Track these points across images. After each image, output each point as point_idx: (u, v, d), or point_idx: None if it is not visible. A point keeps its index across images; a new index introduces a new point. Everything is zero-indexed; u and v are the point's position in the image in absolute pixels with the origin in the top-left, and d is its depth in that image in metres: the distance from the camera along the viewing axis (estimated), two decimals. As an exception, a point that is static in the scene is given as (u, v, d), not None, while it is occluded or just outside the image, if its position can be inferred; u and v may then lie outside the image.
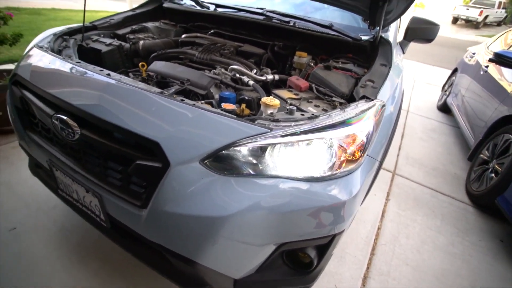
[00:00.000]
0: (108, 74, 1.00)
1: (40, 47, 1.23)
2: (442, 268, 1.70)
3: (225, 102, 1.15)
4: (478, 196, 2.21)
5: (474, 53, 3.64)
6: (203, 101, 1.14)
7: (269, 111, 1.00)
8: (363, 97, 1.05)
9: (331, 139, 0.83)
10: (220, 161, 0.80)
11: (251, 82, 1.25)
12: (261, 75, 1.34)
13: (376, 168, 1.11)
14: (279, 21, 1.61)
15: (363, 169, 0.95)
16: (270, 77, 1.34)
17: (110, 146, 0.88)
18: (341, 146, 0.84)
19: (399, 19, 1.76)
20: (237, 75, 1.30)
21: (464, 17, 15.96)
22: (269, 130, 0.80)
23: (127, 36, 1.67)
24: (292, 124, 0.84)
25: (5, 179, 1.93)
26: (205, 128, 0.83)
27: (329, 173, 0.84)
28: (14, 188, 1.86)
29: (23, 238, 1.56)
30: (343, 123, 0.87)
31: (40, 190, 1.77)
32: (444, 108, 4.10)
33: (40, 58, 1.15)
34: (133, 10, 1.90)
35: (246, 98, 1.20)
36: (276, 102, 1.00)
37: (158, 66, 1.28)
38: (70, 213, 1.68)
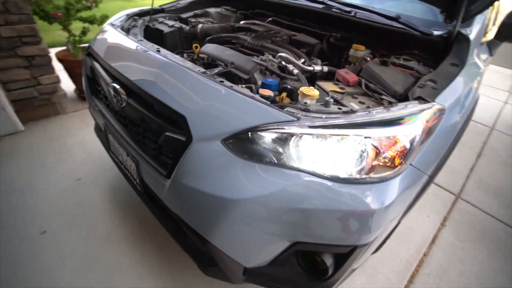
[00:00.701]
0: (158, 50, 1.07)
1: (112, 25, 1.39)
2: (500, 320, 1.41)
3: (266, 88, 1.13)
4: None
5: None
6: (243, 85, 1.14)
7: (305, 101, 0.94)
8: (418, 98, 0.90)
9: (364, 138, 0.74)
10: (241, 144, 0.79)
11: (295, 71, 1.20)
12: (309, 66, 1.27)
13: (423, 182, 0.96)
14: (339, 11, 1.49)
15: (404, 180, 0.82)
16: (318, 68, 1.26)
17: (147, 116, 0.94)
18: (376, 148, 0.74)
19: (491, 13, 1.46)
20: (283, 63, 1.26)
21: None
22: (296, 119, 0.75)
23: (189, 19, 1.77)
24: (324, 116, 0.77)
25: (81, 137, 2.27)
26: (232, 109, 0.82)
27: (357, 175, 0.75)
28: (86, 146, 2.18)
29: (84, 188, 1.82)
30: (383, 123, 0.76)
31: (103, 151, 2.04)
32: (546, 132, 3.32)
33: (109, 34, 1.30)
34: (198, -5, 2.00)
35: (289, 87, 1.16)
36: (315, 92, 0.93)
37: (209, 48, 1.32)
38: (120, 175, 1.90)
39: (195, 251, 1.05)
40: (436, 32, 1.27)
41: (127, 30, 1.45)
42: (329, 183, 0.75)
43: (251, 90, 1.11)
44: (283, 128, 0.74)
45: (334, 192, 0.75)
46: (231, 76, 1.21)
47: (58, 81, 2.41)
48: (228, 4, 2.06)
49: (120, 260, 1.42)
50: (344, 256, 0.87)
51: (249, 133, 0.77)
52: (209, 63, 1.32)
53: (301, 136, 0.75)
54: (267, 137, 0.77)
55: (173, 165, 0.87)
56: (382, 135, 0.75)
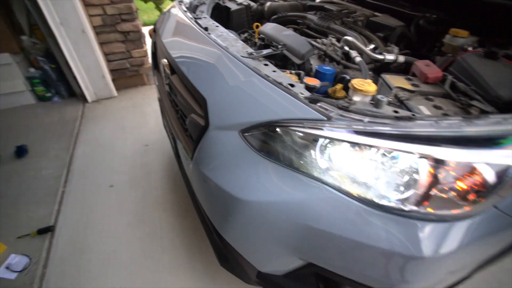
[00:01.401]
0: (206, 28, 1.03)
1: (180, 1, 1.41)
2: None
3: (320, 77, 0.98)
4: None
5: None
6: (293, 71, 1.01)
7: (355, 98, 0.75)
8: (534, 111, 0.60)
9: (419, 157, 0.53)
10: (261, 139, 0.68)
11: (358, 59, 0.98)
12: (379, 53, 1.02)
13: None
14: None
15: (481, 225, 0.58)
16: (390, 57, 1.00)
17: (181, 94, 0.93)
18: (434, 173, 0.53)
19: None
20: (347, 48, 1.05)
21: None
22: (325, 119, 0.60)
23: (260, -3, 1.67)
24: (366, 119, 0.59)
25: (156, 107, 2.52)
26: (257, 98, 0.71)
27: (400, 205, 0.56)
28: (158, 116, 2.41)
29: (149, 154, 2.03)
30: (454, 141, 0.53)
31: (169, 123, 2.22)
32: None
33: (172, 10, 1.32)
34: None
35: (347, 77, 0.97)
36: (370, 87, 0.73)
37: (267, 28, 1.21)
38: (180, 148, 2.03)
39: (215, 241, 1.02)
40: None
41: (195, 7, 1.46)
42: (358, 206, 0.59)
43: (299, 78, 0.97)
44: (306, 128, 0.60)
45: (363, 219, 0.58)
46: (286, 60, 1.09)
47: (146, 55, 2.71)
48: (306, -20, 1.86)
49: (162, 226, 1.53)
50: (369, 297, 0.69)
51: (269, 127, 0.65)
52: (267, 44, 1.22)
53: (331, 141, 0.60)
54: (290, 135, 0.64)
55: (194, 149, 0.84)
56: (449, 158, 0.52)
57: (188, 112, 0.91)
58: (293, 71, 1.01)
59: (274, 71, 0.82)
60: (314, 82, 0.88)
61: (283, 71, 0.95)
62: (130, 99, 2.65)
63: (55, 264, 1.39)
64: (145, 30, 2.70)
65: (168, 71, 1.02)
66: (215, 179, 0.73)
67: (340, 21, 1.28)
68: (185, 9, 1.27)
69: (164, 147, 2.08)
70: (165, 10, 1.46)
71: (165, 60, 1.06)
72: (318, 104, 0.64)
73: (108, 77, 2.57)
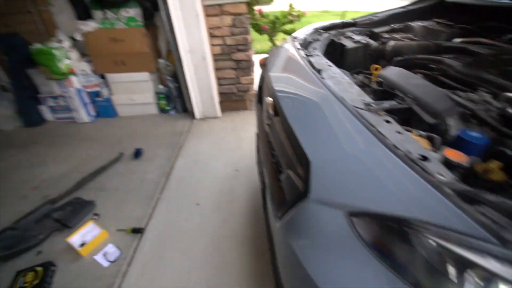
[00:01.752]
0: (319, 71, 0.93)
1: (294, 38, 1.39)
2: None
3: (464, 146, 0.72)
4: None
5: None
6: (422, 133, 0.79)
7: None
8: None
9: None
10: (373, 228, 0.51)
11: (533, 130, 0.69)
12: None
13: None
14: None
15: None
16: None
17: (280, 142, 0.84)
18: None
19: None
20: (511, 110, 0.76)
21: None
22: (494, 240, 0.38)
23: (381, 34, 1.50)
24: None
25: (252, 134, 2.59)
26: (379, 177, 0.54)
27: None
28: (252, 142, 2.46)
29: (238, 179, 2.07)
30: None
31: (260, 151, 2.22)
32: None
33: (285, 46, 1.30)
34: (404, 7, 1.64)
35: (508, 153, 0.70)
36: None
37: (390, 72, 1.04)
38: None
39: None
40: None
41: (307, 44, 1.42)
42: None
43: (432, 144, 0.74)
44: (454, 245, 0.40)
45: None
46: (409, 113, 0.89)
47: (252, 82, 2.87)
48: (444, 16, 1.57)
49: (234, 261, 1.48)
50: None
51: (391, 223, 0.48)
52: (386, 91, 1.04)
53: (495, 277, 0.38)
54: (422, 242, 0.45)
55: (286, 210, 0.73)
56: None
57: (285, 165, 0.82)
58: (422, 133, 0.79)
59: (399, 133, 0.65)
60: (459, 157, 0.64)
61: (408, 130, 0.75)
62: (231, 121, 2.83)
63: (137, 265, 1.50)
64: (256, 58, 2.89)
65: (271, 112, 0.97)
66: (304, 261, 0.60)
67: (496, 70, 0.98)
68: (299, 47, 1.23)
69: (253, 176, 2.07)
70: (278, 44, 1.47)
71: (270, 99, 1.02)
72: (478, 208, 0.43)
73: (216, 99, 2.82)
